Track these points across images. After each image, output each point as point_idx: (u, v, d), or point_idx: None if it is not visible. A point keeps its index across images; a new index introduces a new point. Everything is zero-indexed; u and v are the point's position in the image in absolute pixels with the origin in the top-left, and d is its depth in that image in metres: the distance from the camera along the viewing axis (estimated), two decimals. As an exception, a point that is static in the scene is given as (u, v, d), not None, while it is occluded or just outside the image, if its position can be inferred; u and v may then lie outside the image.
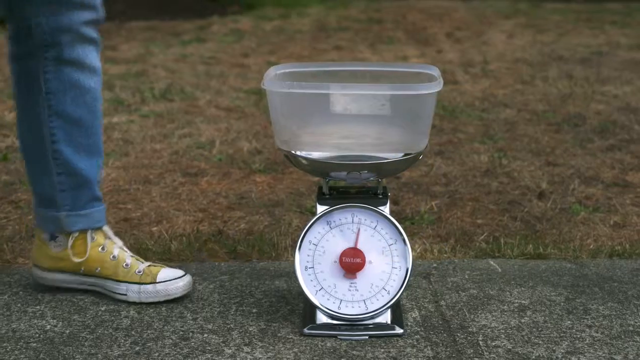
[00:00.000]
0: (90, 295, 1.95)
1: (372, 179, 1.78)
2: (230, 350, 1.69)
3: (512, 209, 2.62)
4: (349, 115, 1.70)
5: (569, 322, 1.82)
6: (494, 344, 1.72)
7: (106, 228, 1.99)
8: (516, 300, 1.93)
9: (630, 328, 1.79)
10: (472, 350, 1.69)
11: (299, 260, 1.76)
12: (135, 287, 1.91)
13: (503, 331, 1.77)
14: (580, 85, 4.50)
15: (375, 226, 1.76)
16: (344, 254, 1.74)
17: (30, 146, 1.95)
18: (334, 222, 1.77)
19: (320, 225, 1.77)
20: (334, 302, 1.74)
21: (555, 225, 2.48)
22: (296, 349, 1.69)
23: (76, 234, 1.95)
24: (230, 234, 2.36)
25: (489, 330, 1.78)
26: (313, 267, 1.75)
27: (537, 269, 2.13)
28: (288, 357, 1.66)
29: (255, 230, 2.42)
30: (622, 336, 1.75)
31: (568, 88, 4.44)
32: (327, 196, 1.80)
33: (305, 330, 1.75)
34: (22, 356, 1.67)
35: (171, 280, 1.91)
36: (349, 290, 1.74)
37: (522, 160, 3.14)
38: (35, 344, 1.71)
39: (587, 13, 7.61)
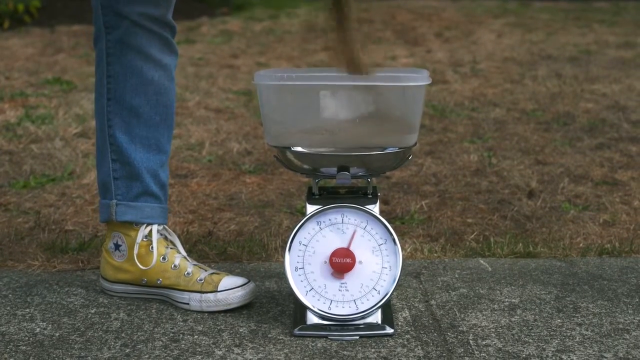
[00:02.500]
0: (79, 297, 1.95)
1: (361, 174, 1.77)
2: (221, 352, 1.68)
3: (502, 208, 2.63)
4: (339, 108, 1.70)
5: (559, 320, 1.82)
6: (484, 343, 1.72)
7: (170, 235, 1.97)
8: (506, 299, 1.93)
9: (620, 326, 1.79)
10: (462, 350, 1.69)
11: (289, 261, 1.75)
12: (197, 296, 1.87)
13: (493, 330, 1.77)
14: (569, 84, 4.52)
15: (365, 226, 1.76)
16: (334, 254, 1.74)
17: (97, 131, 1.97)
18: (324, 222, 1.76)
19: (310, 226, 1.76)
20: (324, 303, 1.74)
21: (545, 224, 2.48)
22: (287, 350, 1.69)
23: (140, 241, 1.93)
24: (220, 235, 2.36)
25: (479, 329, 1.78)
26: (303, 268, 1.75)
27: (527, 268, 2.13)
28: (279, 357, 1.66)
29: (245, 231, 2.41)
30: (612, 334, 1.76)
31: (557, 87, 4.45)
32: (316, 196, 1.80)
33: (296, 331, 1.75)
34: (12, 359, 1.66)
35: (232, 289, 1.86)
36: (339, 290, 1.74)
37: (511, 159, 3.15)
38: (24, 347, 1.70)
39: (575, 12, 7.64)
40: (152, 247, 1.92)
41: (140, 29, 1.88)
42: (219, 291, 1.86)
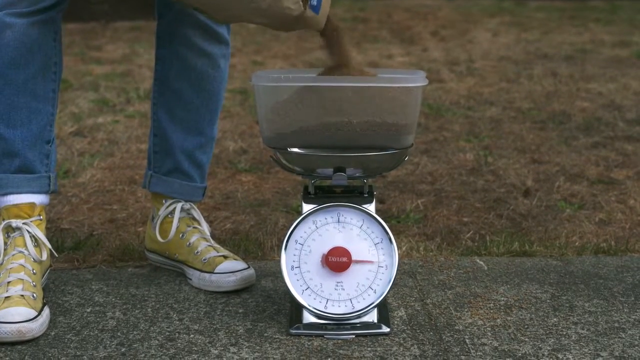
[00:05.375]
0: (75, 296, 1.95)
1: (357, 175, 1.77)
2: (217, 351, 1.68)
3: (497, 207, 2.63)
4: (335, 109, 1.69)
5: (555, 319, 1.82)
6: (480, 341, 1.72)
7: (197, 215, 2.08)
8: (502, 298, 1.93)
9: (616, 324, 1.80)
10: (458, 349, 1.69)
11: (285, 259, 1.75)
12: (197, 273, 1.98)
13: (489, 329, 1.77)
14: (565, 83, 4.52)
15: (361, 225, 1.76)
16: (330, 253, 1.74)
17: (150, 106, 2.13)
18: (320, 221, 1.76)
19: (306, 225, 1.76)
20: (320, 302, 1.74)
21: (541, 223, 2.48)
22: (283, 349, 1.69)
23: (163, 217, 2.05)
24: (216, 234, 2.36)
25: (475, 328, 1.78)
26: (299, 267, 1.75)
27: (523, 267, 2.13)
28: (275, 357, 1.66)
29: (241, 230, 2.41)
30: (608, 333, 1.76)
31: (553, 86, 4.45)
32: (312, 196, 1.80)
33: (292, 330, 1.75)
34: (7, 359, 1.65)
35: (226, 273, 1.95)
36: (336, 289, 1.74)
37: (507, 158, 3.15)
38: (20, 346, 1.70)
39: (571, 11, 7.64)
40: (172, 224, 2.05)
41: (187, 18, 1.98)
42: (214, 273, 1.95)
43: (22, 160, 1.88)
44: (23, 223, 1.86)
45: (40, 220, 1.89)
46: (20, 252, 1.83)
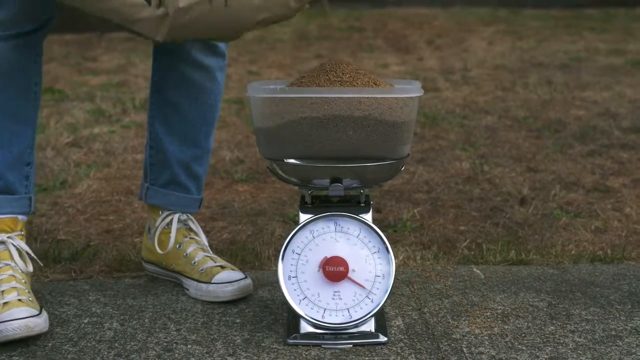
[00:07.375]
0: (72, 307, 1.94)
1: (354, 186, 1.78)
2: (214, 361, 1.68)
3: (494, 216, 2.63)
4: (331, 120, 1.70)
5: (552, 327, 1.83)
6: (477, 350, 1.72)
7: (194, 226, 2.08)
8: (499, 307, 1.94)
9: (613, 332, 1.80)
10: (456, 358, 1.69)
11: (282, 269, 1.75)
12: (195, 284, 1.98)
13: (487, 338, 1.78)
14: (560, 91, 4.53)
15: (358, 234, 1.76)
16: (327, 262, 1.74)
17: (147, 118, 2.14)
18: (317, 231, 1.76)
19: (303, 234, 1.76)
20: (317, 311, 1.74)
21: (537, 231, 2.49)
22: (280, 359, 1.69)
23: (161, 229, 2.06)
24: (213, 244, 2.36)
25: (472, 337, 1.78)
26: (296, 277, 1.75)
27: (519, 275, 2.13)
28: (272, 367, 1.66)
29: (238, 240, 2.41)
30: (605, 341, 1.76)
31: (548, 94, 4.47)
32: (309, 205, 1.80)
33: (289, 340, 1.75)
34: (4, 370, 1.66)
35: (223, 283, 1.95)
36: (333, 299, 1.74)
37: (503, 166, 3.16)
38: (17, 357, 1.70)
39: (565, 19, 7.67)
40: (170, 235, 2.05)
41: None
42: (212, 283, 1.96)
43: (3, 182, 1.89)
44: (7, 237, 1.87)
45: (22, 235, 1.91)
46: (7, 264, 1.85)
